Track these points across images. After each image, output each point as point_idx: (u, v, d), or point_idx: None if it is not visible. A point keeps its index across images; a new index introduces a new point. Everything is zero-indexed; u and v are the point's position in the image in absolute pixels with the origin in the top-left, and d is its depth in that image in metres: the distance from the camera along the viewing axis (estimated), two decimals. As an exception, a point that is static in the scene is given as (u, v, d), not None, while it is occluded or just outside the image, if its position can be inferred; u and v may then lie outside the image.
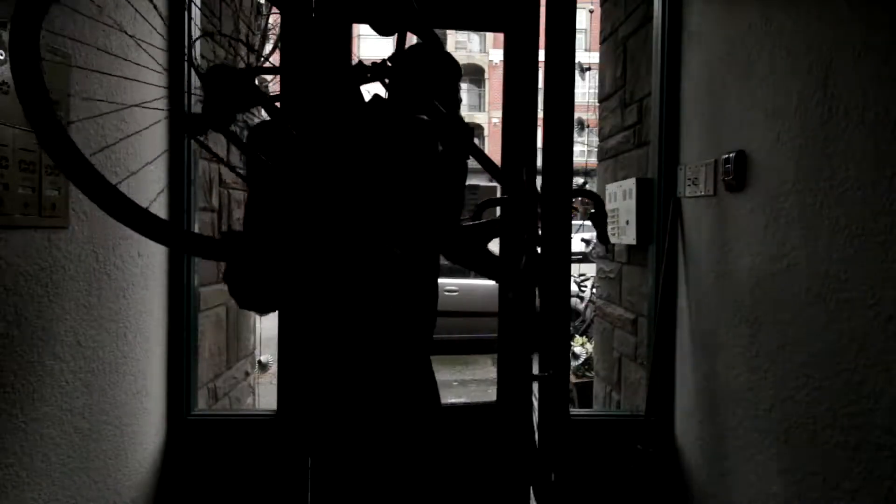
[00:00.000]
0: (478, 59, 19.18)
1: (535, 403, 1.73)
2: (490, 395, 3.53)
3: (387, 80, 1.07)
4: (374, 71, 1.03)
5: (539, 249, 1.55)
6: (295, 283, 1.05)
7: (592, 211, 1.58)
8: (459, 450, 1.83)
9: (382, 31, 1.07)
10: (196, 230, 1.82)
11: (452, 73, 1.21)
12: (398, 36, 1.07)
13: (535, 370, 1.66)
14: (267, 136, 1.01)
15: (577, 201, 1.68)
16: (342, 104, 1.03)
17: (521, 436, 1.63)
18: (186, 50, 1.68)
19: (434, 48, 1.08)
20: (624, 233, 2.17)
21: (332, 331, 1.10)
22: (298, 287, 1.06)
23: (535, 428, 1.76)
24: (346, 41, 1.78)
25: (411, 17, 1.04)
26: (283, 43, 1.75)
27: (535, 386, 1.69)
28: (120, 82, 1.41)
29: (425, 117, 1.11)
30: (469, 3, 1.80)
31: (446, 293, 5.58)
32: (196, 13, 1.80)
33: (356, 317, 1.09)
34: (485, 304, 4.16)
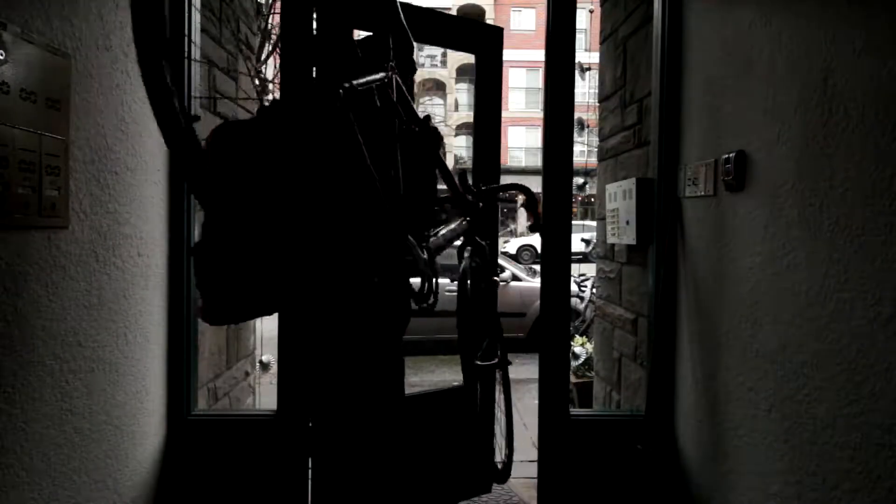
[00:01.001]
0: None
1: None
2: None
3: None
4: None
5: (484, 252, 1.59)
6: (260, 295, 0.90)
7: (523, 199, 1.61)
8: (435, 425, 1.96)
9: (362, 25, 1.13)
10: (196, 237, 1.81)
11: (406, 43, 1.25)
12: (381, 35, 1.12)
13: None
14: (239, 143, 0.84)
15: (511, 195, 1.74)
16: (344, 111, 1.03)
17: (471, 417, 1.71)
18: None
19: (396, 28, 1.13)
20: (624, 233, 2.17)
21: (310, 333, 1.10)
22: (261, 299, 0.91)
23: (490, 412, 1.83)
24: (348, 40, 1.78)
25: (391, 14, 1.11)
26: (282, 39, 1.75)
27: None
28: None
29: (416, 128, 1.13)
30: (447, 29, 1.99)
31: (447, 293, 5.57)
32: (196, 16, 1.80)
33: (331, 321, 1.09)
34: (485, 304, 4.15)
